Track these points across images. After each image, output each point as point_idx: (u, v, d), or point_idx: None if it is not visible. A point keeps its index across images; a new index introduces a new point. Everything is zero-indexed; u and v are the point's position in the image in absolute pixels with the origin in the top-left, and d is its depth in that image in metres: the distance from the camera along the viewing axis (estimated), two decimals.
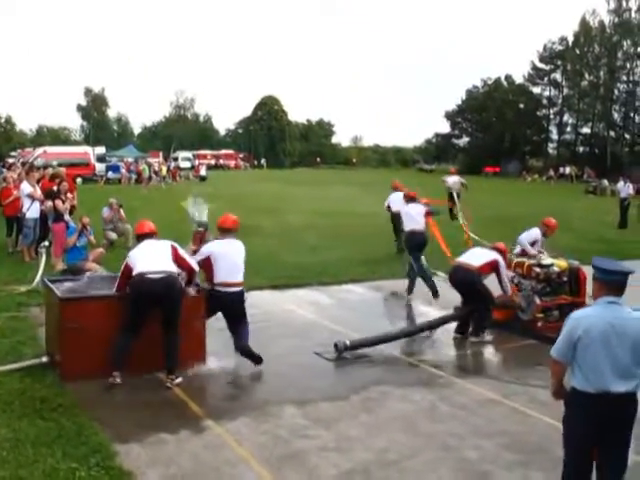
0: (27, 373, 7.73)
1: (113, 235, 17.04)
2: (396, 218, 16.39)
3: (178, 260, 8.03)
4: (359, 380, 8.19)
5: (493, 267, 10.16)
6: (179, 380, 7.75)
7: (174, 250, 8.05)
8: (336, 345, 9.05)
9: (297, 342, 9.29)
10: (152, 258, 7.88)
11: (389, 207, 18.01)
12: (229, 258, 8.53)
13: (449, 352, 9.60)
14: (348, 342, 9.12)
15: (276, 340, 9.16)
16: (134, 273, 7.77)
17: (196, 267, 8.25)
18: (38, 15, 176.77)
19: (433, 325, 10.19)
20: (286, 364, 8.64)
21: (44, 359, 8.03)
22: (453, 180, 26.93)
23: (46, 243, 13.81)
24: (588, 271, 11.23)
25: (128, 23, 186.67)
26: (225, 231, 8.79)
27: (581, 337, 4.54)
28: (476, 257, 10.29)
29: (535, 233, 11.94)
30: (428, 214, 13.29)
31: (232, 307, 8.53)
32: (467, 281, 10.13)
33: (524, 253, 11.60)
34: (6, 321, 9.92)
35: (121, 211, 17.75)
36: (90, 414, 6.73)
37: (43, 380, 7.56)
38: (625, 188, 27.22)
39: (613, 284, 4.58)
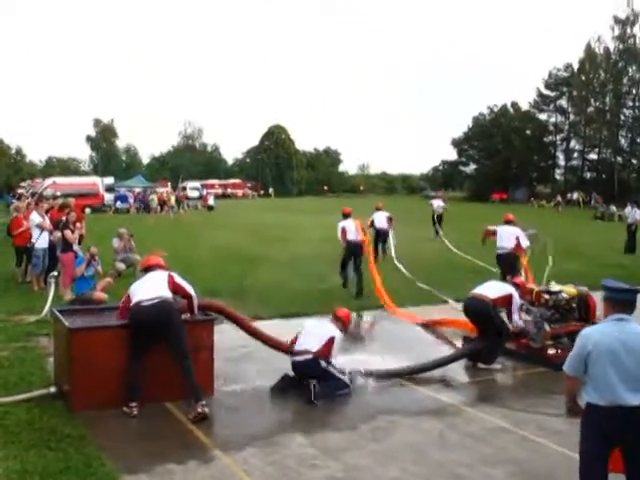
0: (35, 404, 7.72)
1: (122, 266, 17.04)
2: (378, 233, 21.71)
3: (175, 288, 8.11)
4: (367, 409, 8.13)
5: (507, 301, 10.12)
6: (207, 410, 7.61)
7: (170, 278, 8.15)
8: (350, 373, 9.00)
9: None
10: (148, 287, 8.00)
11: (372, 223, 21.99)
12: (306, 334, 9.01)
13: (458, 380, 9.51)
14: (362, 370, 9.10)
15: (284, 369, 9.11)
16: (131, 304, 7.87)
17: (192, 292, 8.27)
18: (49, 47, 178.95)
19: (446, 362, 9.90)
20: (294, 393, 8.58)
21: (52, 389, 8.01)
22: (437, 204, 31.09)
23: (55, 273, 13.85)
24: (598, 297, 11.24)
25: (137, 54, 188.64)
26: (334, 317, 9.31)
27: (591, 352, 4.74)
28: (492, 289, 10.21)
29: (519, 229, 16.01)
30: (362, 229, 16.41)
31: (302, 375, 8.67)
32: (482, 312, 10.03)
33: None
34: (15, 351, 9.92)
35: (131, 241, 17.85)
36: (98, 444, 6.71)
37: (51, 411, 7.55)
38: (632, 213, 27.25)
39: (622, 302, 4.84)
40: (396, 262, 18.20)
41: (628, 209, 28.30)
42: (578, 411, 4.95)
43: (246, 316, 9.93)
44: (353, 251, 15.77)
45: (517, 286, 10.52)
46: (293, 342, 9.03)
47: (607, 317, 4.89)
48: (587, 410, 4.82)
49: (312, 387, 8.36)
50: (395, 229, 21.81)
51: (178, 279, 8.21)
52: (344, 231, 16.00)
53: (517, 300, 10.22)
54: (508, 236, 15.79)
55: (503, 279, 13.81)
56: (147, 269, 8.45)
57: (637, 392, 4.66)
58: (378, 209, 22.64)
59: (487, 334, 10.07)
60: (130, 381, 7.73)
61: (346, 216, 16.39)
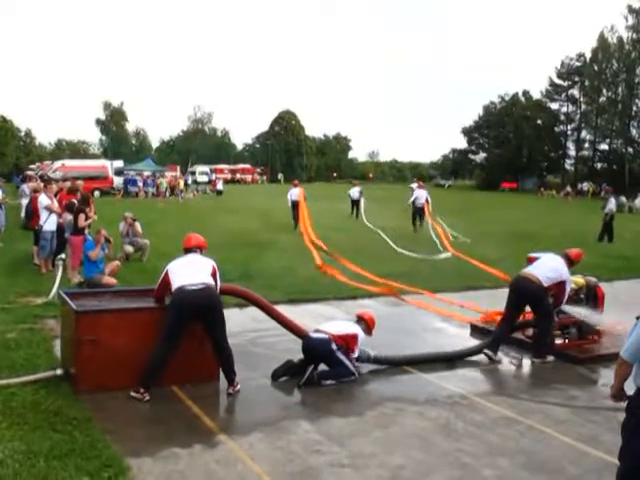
0: (41, 385, 7.72)
1: (129, 248, 17.07)
2: (353, 202, 34.66)
3: (213, 279, 8.12)
4: (374, 396, 8.13)
5: (559, 287, 9.74)
6: (239, 387, 7.98)
7: (213, 269, 8.15)
8: (359, 355, 8.95)
9: None
10: (191, 271, 7.96)
11: (349, 195, 35.51)
12: (329, 323, 9.47)
13: (465, 369, 9.48)
14: (372, 353, 9.09)
15: (290, 354, 9.10)
16: (174, 287, 7.82)
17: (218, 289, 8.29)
18: (59, 31, 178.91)
19: (467, 354, 9.85)
20: (300, 379, 8.55)
21: (58, 372, 8.01)
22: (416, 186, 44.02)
23: (63, 256, 13.82)
24: (606, 288, 11.19)
25: (147, 38, 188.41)
26: (358, 319, 9.36)
27: None
28: (545, 271, 9.65)
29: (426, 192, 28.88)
30: (303, 195, 21.66)
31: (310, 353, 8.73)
32: (533, 295, 9.69)
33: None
34: (22, 333, 9.93)
35: (136, 225, 17.72)
36: (103, 427, 6.71)
37: (57, 393, 7.55)
38: (609, 203, 27.95)
39: None
40: (369, 224, 26.33)
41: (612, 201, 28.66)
42: (623, 397, 4.87)
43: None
44: (294, 206, 26.60)
45: (570, 260, 10.00)
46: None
47: None
48: None
49: (308, 372, 8.37)
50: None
51: (217, 274, 8.19)
52: (291, 194, 27.82)
53: (570, 282, 9.86)
54: (422, 196, 28.61)
55: (413, 220, 28.65)
56: (188, 250, 8.35)
57: None
58: (354, 185, 36.64)
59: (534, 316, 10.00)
60: (155, 365, 7.67)
61: (295, 186, 28.39)
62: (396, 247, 20.17)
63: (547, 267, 9.78)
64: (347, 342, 8.72)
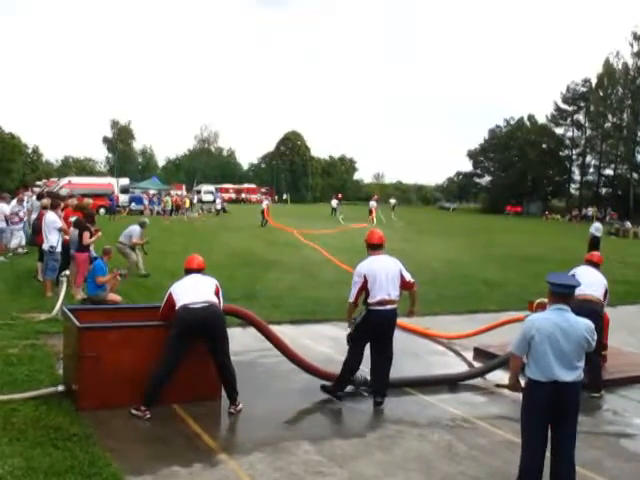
0: (43, 402, 7.70)
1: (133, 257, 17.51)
2: (333, 208, 60.18)
3: (217, 297, 8.12)
4: (375, 417, 8.09)
5: (605, 294, 9.84)
6: (241, 406, 7.96)
7: (216, 288, 8.14)
8: (354, 380, 8.91)
9: (313, 377, 9.17)
10: (195, 290, 7.94)
11: (332, 204, 61.70)
12: (380, 280, 8.42)
13: (466, 392, 9.44)
14: (368, 377, 9.00)
15: (292, 375, 9.07)
16: (178, 306, 7.80)
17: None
18: (69, 48, 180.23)
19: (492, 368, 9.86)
20: (302, 400, 8.54)
21: (60, 388, 7.99)
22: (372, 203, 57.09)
23: (67, 272, 13.78)
24: (611, 314, 11.13)
25: (155, 57, 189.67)
26: (374, 247, 8.74)
27: (534, 336, 5.63)
28: (593, 285, 9.56)
29: (373, 202, 55.57)
30: (267, 205, 45.83)
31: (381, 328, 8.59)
32: (594, 315, 8.86)
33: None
34: (24, 349, 9.91)
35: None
36: (104, 444, 6.68)
37: (58, 409, 7.52)
38: (592, 228, 28.84)
39: (560, 295, 5.73)
40: (341, 220, 46.22)
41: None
42: (518, 387, 5.96)
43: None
44: (262, 212, 43.48)
45: (597, 265, 10.14)
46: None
47: (550, 306, 5.77)
48: (530, 385, 5.70)
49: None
50: None
51: (220, 293, 8.19)
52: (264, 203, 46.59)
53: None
54: (371, 204, 54.04)
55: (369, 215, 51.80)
56: (190, 271, 8.27)
57: (570, 370, 5.57)
58: (335, 198, 61.87)
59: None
60: (157, 383, 7.65)
61: (267, 197, 63.12)
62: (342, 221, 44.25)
63: (593, 282, 9.66)
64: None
